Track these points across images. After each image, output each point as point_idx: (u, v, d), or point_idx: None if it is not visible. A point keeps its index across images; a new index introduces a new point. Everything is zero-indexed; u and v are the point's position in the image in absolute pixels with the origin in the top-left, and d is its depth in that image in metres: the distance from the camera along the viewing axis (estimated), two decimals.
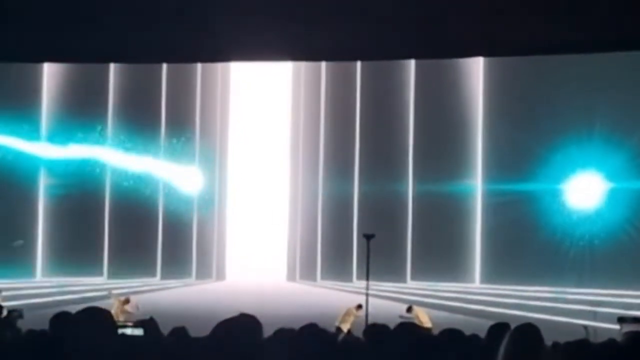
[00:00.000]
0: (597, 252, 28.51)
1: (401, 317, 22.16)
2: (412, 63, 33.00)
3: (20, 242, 31.19)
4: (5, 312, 21.06)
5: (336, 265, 34.66)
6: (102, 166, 34.09)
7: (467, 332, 7.44)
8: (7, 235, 31.57)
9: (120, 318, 22.27)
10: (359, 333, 7.58)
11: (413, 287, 32.05)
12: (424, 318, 23.08)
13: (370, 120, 34.14)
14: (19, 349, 6.19)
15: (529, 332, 5.76)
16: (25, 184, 33.07)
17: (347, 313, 23.65)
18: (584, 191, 29.67)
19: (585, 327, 20.54)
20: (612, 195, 29.22)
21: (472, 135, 32.18)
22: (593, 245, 28.74)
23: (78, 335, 4.78)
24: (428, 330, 21.02)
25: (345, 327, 23.20)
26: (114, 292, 26.31)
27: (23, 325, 18.42)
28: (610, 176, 29.22)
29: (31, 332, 6.52)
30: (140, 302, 25.21)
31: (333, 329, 21.41)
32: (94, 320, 4.89)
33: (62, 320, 4.89)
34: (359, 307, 23.33)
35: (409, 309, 23.68)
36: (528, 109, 30.04)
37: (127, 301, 24.81)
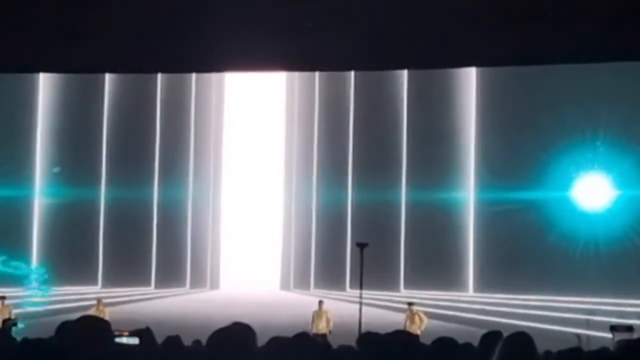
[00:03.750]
0: (597, 260, 28.47)
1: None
2: (404, 72, 33.07)
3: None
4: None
5: (330, 274, 34.67)
6: (97, 175, 34.10)
7: (461, 341, 7.47)
8: (2, 245, 31.64)
9: None
10: (349, 340, 7.60)
11: (406, 295, 32.05)
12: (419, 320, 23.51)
13: (363, 130, 34.17)
14: (13, 358, 6.21)
15: (521, 340, 5.79)
16: (20, 192, 33.05)
17: (316, 315, 24.12)
18: (581, 199, 29.72)
19: (578, 335, 20.60)
20: (613, 202, 29.29)
21: (465, 144, 32.23)
22: (591, 253, 28.72)
23: (76, 343, 4.82)
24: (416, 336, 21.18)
25: (324, 330, 23.55)
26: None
27: (17, 334, 18.44)
28: (611, 183, 29.29)
29: (26, 341, 6.54)
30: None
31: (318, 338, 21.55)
32: (92, 328, 4.92)
33: (67, 329, 4.91)
34: (320, 303, 23.99)
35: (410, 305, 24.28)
36: (524, 117, 30.09)
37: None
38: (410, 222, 32.96)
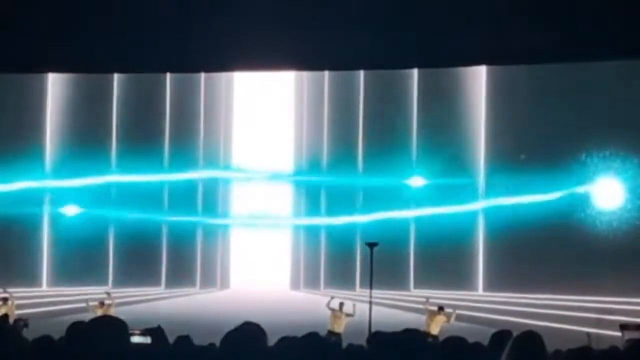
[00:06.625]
0: (607, 259, 28.41)
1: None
2: (415, 70, 33.11)
3: None
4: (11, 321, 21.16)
5: (340, 273, 34.68)
6: (107, 175, 34.17)
7: (470, 340, 7.49)
8: (12, 245, 31.76)
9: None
10: (359, 339, 7.64)
11: (416, 295, 32.07)
12: (436, 322, 23.58)
13: (373, 129, 34.19)
14: (25, 358, 6.24)
15: (530, 339, 5.80)
16: (31, 192, 33.16)
17: (334, 315, 24.20)
18: (592, 197, 29.71)
19: (588, 334, 20.57)
20: (624, 200, 29.28)
21: (475, 141, 32.24)
22: (601, 252, 28.66)
23: (92, 344, 4.84)
24: (434, 337, 21.30)
25: (337, 329, 23.69)
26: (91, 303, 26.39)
27: (28, 334, 18.47)
28: (623, 181, 29.29)
29: (38, 341, 6.57)
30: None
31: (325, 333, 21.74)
32: (108, 329, 4.95)
33: (79, 329, 4.94)
34: (341, 305, 24.11)
35: (441, 309, 24.30)
36: (534, 115, 30.08)
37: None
38: (421, 221, 32.94)
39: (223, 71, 33.63)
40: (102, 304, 25.62)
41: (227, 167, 37.23)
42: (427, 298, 25.68)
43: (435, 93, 32.79)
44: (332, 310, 24.57)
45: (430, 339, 20.18)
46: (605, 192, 29.50)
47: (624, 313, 24.85)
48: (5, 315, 22.48)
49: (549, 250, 29.25)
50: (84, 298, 27.41)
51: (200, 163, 36.10)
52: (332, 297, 25.19)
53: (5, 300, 25.41)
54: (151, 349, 7.02)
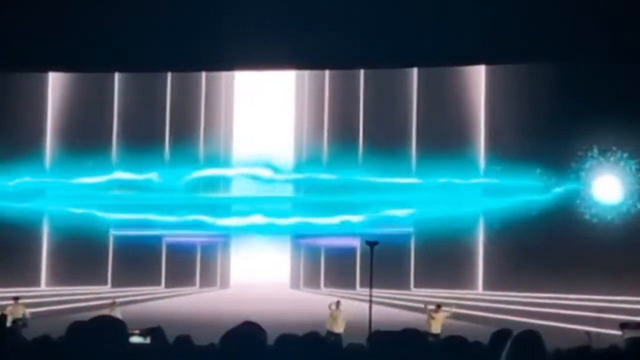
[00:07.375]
0: (607, 257, 28.39)
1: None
2: (414, 70, 33.14)
3: None
4: (10, 321, 21.20)
5: (340, 272, 34.66)
6: (107, 174, 34.17)
7: (470, 339, 7.49)
8: (12, 244, 31.75)
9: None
10: (359, 338, 7.63)
11: (417, 294, 32.08)
12: (437, 320, 23.64)
13: (373, 127, 34.18)
14: (25, 357, 6.24)
15: (530, 338, 5.81)
16: (30, 191, 33.17)
17: (331, 316, 24.19)
18: (592, 197, 29.72)
19: (588, 333, 20.59)
20: (625, 199, 29.29)
21: (475, 141, 32.23)
22: (601, 251, 28.65)
23: (91, 344, 4.85)
24: (435, 336, 21.32)
25: (337, 329, 23.67)
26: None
27: (28, 334, 18.48)
28: (623, 179, 29.32)
29: (37, 341, 6.57)
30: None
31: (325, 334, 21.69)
32: (107, 329, 4.96)
33: (79, 329, 4.94)
34: (338, 303, 24.10)
35: (438, 307, 24.39)
36: (534, 114, 30.08)
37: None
38: (421, 220, 32.92)
39: (223, 70, 33.68)
40: (113, 303, 25.79)
41: (227, 165, 37.19)
42: (425, 304, 25.66)
43: (435, 92, 32.78)
44: (330, 310, 24.54)
45: (431, 338, 20.18)
46: (605, 191, 29.51)
47: (624, 312, 24.86)
48: (4, 315, 22.52)
49: (548, 249, 29.23)
50: (84, 298, 27.44)
51: (200, 162, 36.07)
52: (331, 303, 25.09)
53: (17, 299, 25.57)
54: (151, 349, 7.02)
